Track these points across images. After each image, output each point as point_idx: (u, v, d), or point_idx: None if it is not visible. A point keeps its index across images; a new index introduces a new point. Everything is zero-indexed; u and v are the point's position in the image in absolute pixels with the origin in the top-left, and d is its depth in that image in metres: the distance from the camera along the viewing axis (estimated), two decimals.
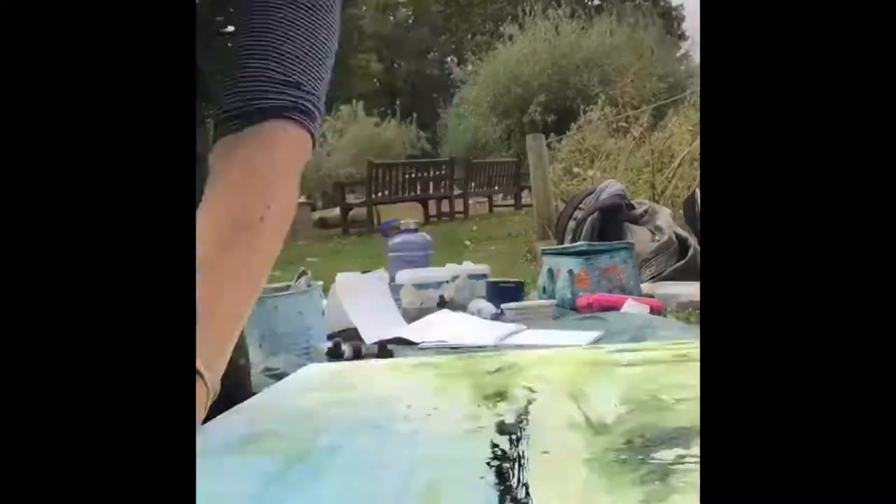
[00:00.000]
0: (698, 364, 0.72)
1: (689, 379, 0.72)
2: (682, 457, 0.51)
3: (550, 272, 2.12)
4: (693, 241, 2.46)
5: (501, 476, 0.51)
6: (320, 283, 1.78)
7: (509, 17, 14.21)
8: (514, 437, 0.59)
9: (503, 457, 0.54)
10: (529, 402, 0.70)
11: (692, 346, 0.87)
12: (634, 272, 2.07)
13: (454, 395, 0.75)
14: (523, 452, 0.55)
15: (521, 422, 0.63)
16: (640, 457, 0.51)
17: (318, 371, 1.01)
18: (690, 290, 1.94)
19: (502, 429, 0.62)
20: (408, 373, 0.91)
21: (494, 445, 0.57)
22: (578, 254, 2.04)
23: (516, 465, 0.52)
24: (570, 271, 2.01)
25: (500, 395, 0.73)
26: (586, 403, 0.67)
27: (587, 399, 0.68)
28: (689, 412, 0.61)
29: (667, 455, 0.51)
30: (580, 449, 0.54)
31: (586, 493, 0.46)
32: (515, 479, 0.50)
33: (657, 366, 0.79)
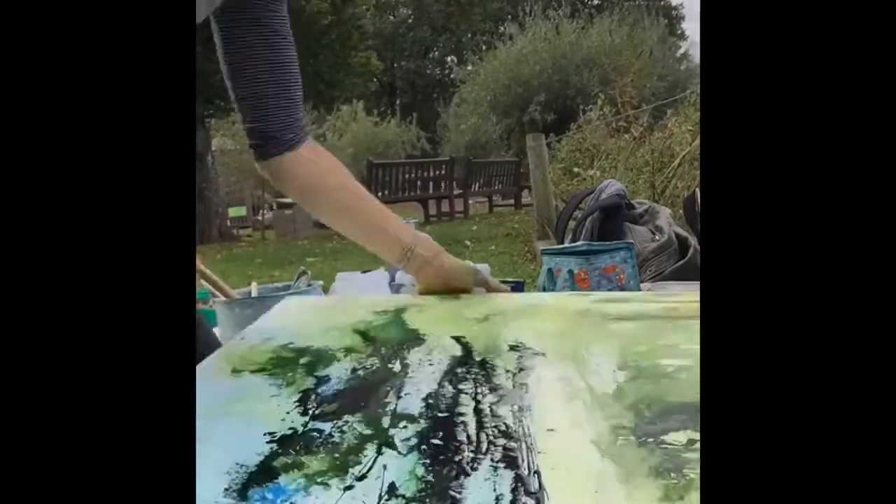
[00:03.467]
0: (690, 322, 0.70)
1: (683, 340, 0.69)
2: (694, 441, 0.49)
3: (550, 272, 2.11)
4: (693, 241, 2.45)
5: (510, 460, 0.48)
6: (320, 282, 1.78)
7: (509, 17, 14.21)
8: (516, 408, 0.57)
9: (507, 434, 0.52)
10: (523, 361, 0.67)
11: (681, 300, 0.83)
12: (634, 272, 2.06)
13: (445, 350, 0.72)
14: (528, 429, 0.53)
15: (519, 387, 0.61)
16: (651, 439, 0.50)
17: (298, 307, 0.96)
18: (690, 290, 1.94)
19: (499, 396, 0.59)
20: (392, 317, 0.86)
21: (496, 418, 0.55)
22: (578, 253, 2.03)
23: (524, 446, 0.50)
24: (570, 271, 2.01)
25: (493, 352, 0.70)
26: (584, 368, 0.64)
27: (584, 363, 0.65)
28: (689, 383, 0.59)
29: (678, 438, 0.49)
30: (587, 426, 0.52)
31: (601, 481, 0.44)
32: (525, 464, 0.48)
33: (649, 322, 0.75)
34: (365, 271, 2.28)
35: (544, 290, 2.17)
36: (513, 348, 0.71)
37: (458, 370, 0.66)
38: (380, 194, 8.39)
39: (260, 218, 10.34)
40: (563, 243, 2.98)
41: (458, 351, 0.71)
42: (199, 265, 1.56)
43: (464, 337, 0.74)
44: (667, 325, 0.74)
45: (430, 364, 0.67)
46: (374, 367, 0.67)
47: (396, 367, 0.67)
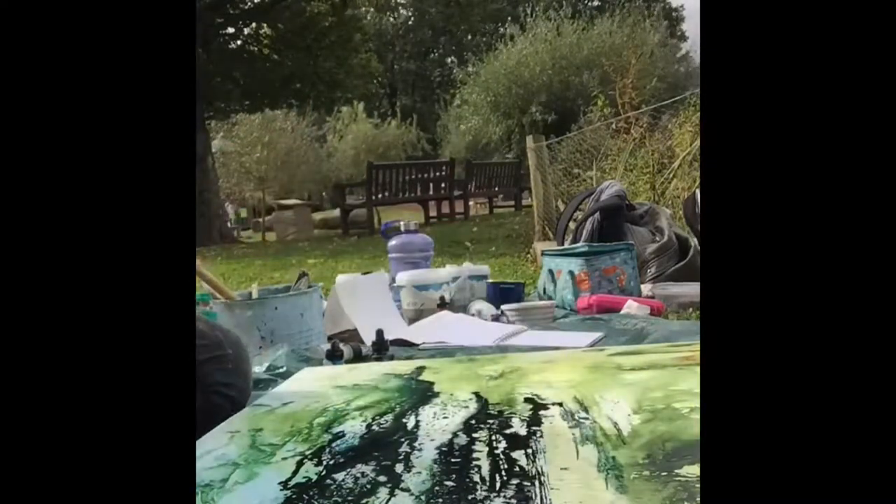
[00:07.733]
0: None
1: (697, 385, 0.70)
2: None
3: (551, 273, 2.11)
4: (693, 242, 2.45)
5: (524, 497, 0.49)
6: (321, 284, 1.79)
7: (509, 18, 14.22)
8: (530, 451, 0.58)
9: (521, 474, 0.53)
10: (539, 411, 0.69)
11: (694, 349, 0.86)
12: (635, 273, 2.07)
13: (459, 404, 0.74)
14: (542, 468, 0.54)
15: (534, 433, 0.62)
16: (665, 472, 0.50)
17: (314, 375, 1.00)
18: (691, 291, 1.94)
19: (517, 443, 0.60)
20: (406, 378, 0.89)
21: (510, 460, 0.56)
22: (578, 255, 2.04)
23: (537, 483, 0.51)
24: (571, 272, 2.01)
25: (508, 404, 0.71)
26: (599, 413, 0.65)
27: (600, 409, 0.67)
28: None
29: (692, 471, 0.50)
30: (601, 464, 0.53)
31: None
32: (538, 499, 0.48)
33: (662, 370, 0.78)
34: (365, 273, 2.29)
35: (545, 291, 2.17)
36: (528, 400, 0.73)
37: (473, 421, 0.67)
38: (380, 196, 8.41)
39: (260, 220, 10.34)
40: (563, 244, 2.99)
41: (472, 405, 0.73)
42: (200, 267, 1.56)
43: (479, 392, 0.77)
44: (681, 373, 0.76)
45: (445, 417, 0.70)
46: (389, 423, 0.69)
47: (411, 421, 0.69)
